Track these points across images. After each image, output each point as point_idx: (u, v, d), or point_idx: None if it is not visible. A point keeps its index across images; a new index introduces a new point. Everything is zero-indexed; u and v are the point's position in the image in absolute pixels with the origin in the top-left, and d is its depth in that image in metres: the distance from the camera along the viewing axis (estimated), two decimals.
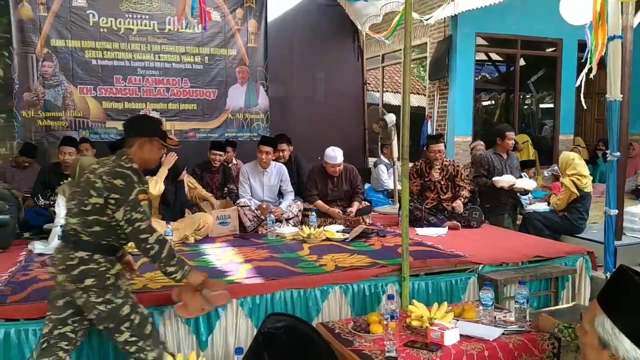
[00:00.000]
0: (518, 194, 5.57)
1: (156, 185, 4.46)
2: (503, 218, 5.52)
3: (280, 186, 5.25)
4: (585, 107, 5.17)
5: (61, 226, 2.70)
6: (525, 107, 9.93)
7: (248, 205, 4.97)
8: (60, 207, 4.24)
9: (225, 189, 5.65)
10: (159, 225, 4.41)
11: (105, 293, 2.44)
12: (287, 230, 4.74)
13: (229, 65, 7.18)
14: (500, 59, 9.69)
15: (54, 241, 4.03)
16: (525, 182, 5.53)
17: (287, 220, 5.05)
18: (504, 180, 5.39)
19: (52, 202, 4.86)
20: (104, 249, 2.48)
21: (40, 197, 5.01)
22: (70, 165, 5.04)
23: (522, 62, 9.16)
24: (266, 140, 5.29)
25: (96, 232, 2.45)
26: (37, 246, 4.15)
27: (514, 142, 5.80)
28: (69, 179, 4.90)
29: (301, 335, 1.75)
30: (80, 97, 6.55)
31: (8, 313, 2.80)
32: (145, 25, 6.74)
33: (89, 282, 2.41)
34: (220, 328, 3.11)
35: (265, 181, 5.19)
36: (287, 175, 5.26)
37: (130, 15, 6.66)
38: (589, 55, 3.89)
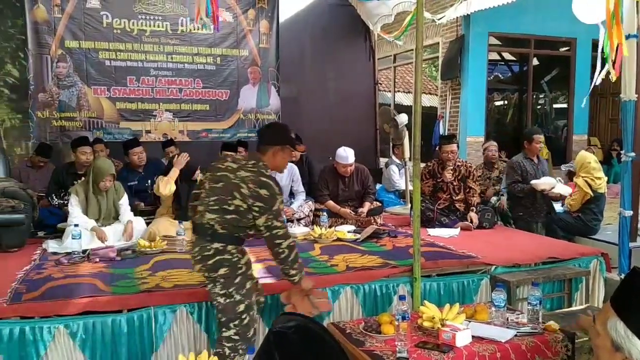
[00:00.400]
0: (551, 200, 5.26)
1: (167, 186, 4.49)
2: (537, 226, 5.18)
3: (291, 186, 5.26)
4: (583, 106, 5.11)
5: (195, 220, 2.82)
6: (539, 107, 9.85)
7: None
8: (74, 207, 4.30)
9: None
10: (172, 225, 4.45)
11: (229, 286, 2.65)
12: (299, 230, 4.74)
13: (240, 66, 7.20)
14: (513, 58, 9.63)
15: (68, 240, 4.08)
16: (562, 188, 5.24)
17: (299, 220, 5.06)
18: (545, 183, 5.09)
19: (66, 202, 4.91)
20: (235, 240, 2.72)
21: (54, 197, 5.07)
22: (87, 166, 5.11)
23: (535, 61, 9.09)
24: None
25: (231, 227, 2.67)
26: (51, 245, 4.20)
27: (542, 146, 5.47)
28: (83, 178, 4.97)
29: (312, 335, 1.74)
30: (94, 98, 6.61)
31: (23, 311, 2.84)
32: (158, 27, 6.79)
33: (222, 271, 2.64)
34: None
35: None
36: (298, 176, 5.27)
37: (144, 17, 6.71)
38: (603, 56, 3.84)
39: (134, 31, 6.69)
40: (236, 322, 2.66)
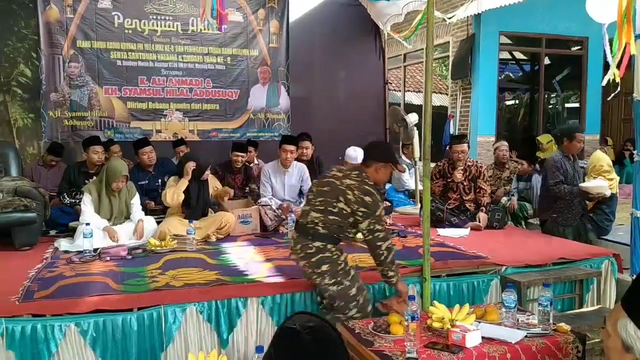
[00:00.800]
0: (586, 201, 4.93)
1: (174, 196, 4.52)
2: (569, 230, 4.78)
3: (301, 186, 5.26)
4: (609, 99, 5.01)
5: (295, 220, 3.15)
6: (550, 106, 9.77)
7: (269, 205, 5.00)
8: (86, 206, 4.34)
9: (247, 188, 5.69)
10: (181, 224, 4.47)
11: (337, 276, 2.90)
12: None
13: (250, 66, 7.22)
14: (525, 57, 9.56)
15: (79, 238, 4.12)
16: (608, 190, 4.83)
17: None
18: (599, 187, 4.72)
19: (77, 201, 4.96)
20: (333, 240, 2.97)
21: (65, 196, 5.11)
22: (101, 165, 5.16)
23: (547, 60, 9.02)
24: (289, 139, 5.30)
25: (332, 227, 2.94)
26: (63, 244, 4.24)
27: (583, 144, 5.04)
28: (94, 177, 5.01)
29: (326, 339, 1.75)
30: (105, 98, 6.66)
31: (35, 309, 2.87)
32: (169, 27, 6.82)
33: (324, 267, 2.89)
34: (241, 326, 3.14)
35: (287, 181, 5.21)
36: (307, 175, 5.27)
37: (155, 17, 6.74)
38: (611, 56, 3.80)
39: (145, 31, 6.72)
40: (354, 304, 2.91)
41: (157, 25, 6.76)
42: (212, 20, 4.64)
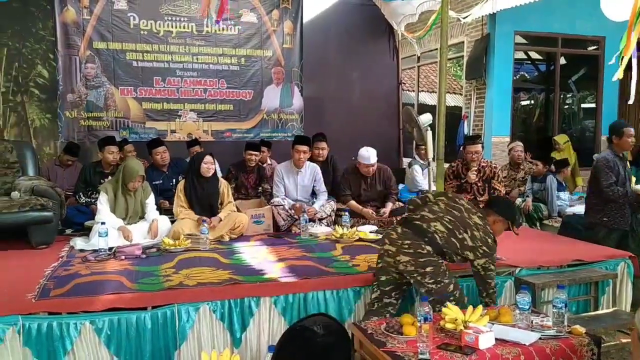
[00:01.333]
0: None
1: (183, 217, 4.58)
2: (614, 235, 4.47)
3: (313, 186, 5.27)
4: (631, 102, 4.85)
5: (414, 218, 3.19)
6: (566, 107, 9.66)
7: (282, 205, 5.01)
8: (102, 205, 4.39)
9: (260, 188, 5.72)
10: (196, 223, 4.50)
11: (438, 275, 3.01)
12: (320, 230, 4.75)
13: (264, 66, 7.25)
14: (540, 57, 9.45)
15: (95, 237, 4.16)
16: None
17: (320, 220, 5.06)
18: None
19: (92, 200, 5.02)
20: (442, 253, 3.08)
21: (81, 195, 5.18)
22: (116, 164, 5.22)
23: (562, 60, 8.92)
24: (302, 139, 5.31)
25: (448, 245, 3.06)
26: (79, 242, 4.29)
27: (634, 140, 4.65)
28: (110, 177, 5.08)
29: (338, 344, 1.76)
30: (121, 98, 6.73)
31: (51, 307, 2.90)
32: (184, 28, 6.87)
33: (429, 269, 3.00)
34: (254, 325, 3.15)
35: (299, 181, 5.22)
36: (320, 175, 5.27)
37: (170, 18, 6.80)
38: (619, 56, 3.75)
39: (160, 32, 6.78)
40: (451, 298, 3.00)
41: (172, 26, 6.82)
42: (212, 15, 4.65)
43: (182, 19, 6.84)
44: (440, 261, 3.06)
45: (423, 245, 3.03)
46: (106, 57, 6.63)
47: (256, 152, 5.65)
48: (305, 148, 5.15)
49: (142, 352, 2.93)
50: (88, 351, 2.84)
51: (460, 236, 3.08)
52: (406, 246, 3.04)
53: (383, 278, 3.17)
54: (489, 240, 3.12)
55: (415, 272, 3.02)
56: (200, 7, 6.83)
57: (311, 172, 5.25)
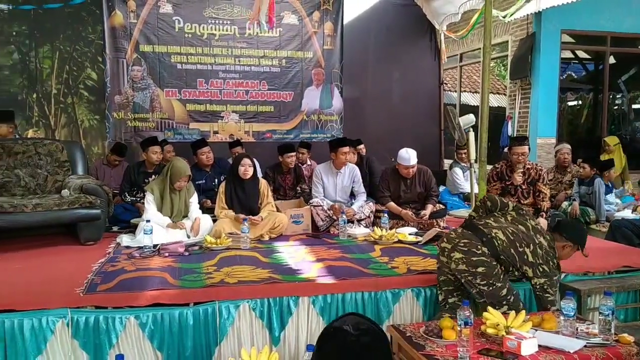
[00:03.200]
0: None
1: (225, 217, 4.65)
2: None
3: (352, 187, 5.26)
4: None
5: (477, 222, 3.20)
6: (615, 107, 9.32)
7: (321, 205, 5.03)
8: (149, 204, 4.52)
9: (298, 188, 5.76)
10: (237, 222, 4.56)
11: (491, 278, 2.95)
12: (359, 231, 4.74)
13: (305, 68, 7.30)
14: (588, 56, 9.15)
15: (140, 235, 4.28)
16: None
17: (359, 221, 5.06)
18: None
19: (137, 199, 5.17)
20: (498, 258, 3.01)
21: (127, 194, 5.34)
22: (158, 164, 5.36)
23: (612, 60, 8.60)
24: (343, 141, 5.32)
25: (506, 255, 2.99)
26: (125, 239, 4.42)
27: None
28: (154, 176, 5.22)
29: (373, 344, 1.75)
30: (166, 100, 6.91)
31: (98, 301, 3.00)
32: (227, 30, 7.00)
33: (480, 269, 2.94)
34: (292, 324, 3.17)
35: (338, 182, 5.23)
36: (359, 177, 5.27)
37: (213, 21, 6.94)
38: None
39: (204, 35, 6.93)
40: (504, 302, 2.95)
41: (215, 29, 6.95)
42: (263, 23, 4.73)
43: (225, 22, 6.97)
44: (494, 264, 2.98)
45: (479, 246, 2.99)
46: (152, 59, 6.82)
47: (292, 154, 5.71)
48: (347, 149, 5.17)
49: (184, 347, 2.99)
50: (132, 345, 2.92)
51: (520, 249, 3.00)
52: (462, 244, 3.01)
53: (442, 278, 3.17)
54: (551, 262, 3.03)
55: (466, 272, 2.97)
56: (242, 10, 6.96)
57: (350, 173, 5.25)
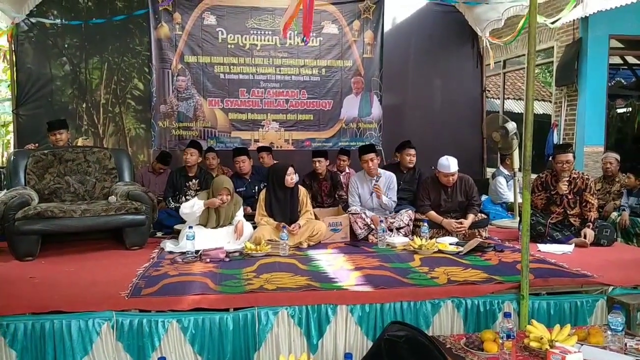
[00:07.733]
0: None
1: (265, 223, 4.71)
2: None
3: (387, 194, 5.21)
4: None
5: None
6: None
7: (359, 213, 5.01)
8: (195, 199, 4.67)
9: (336, 195, 5.77)
10: (276, 229, 4.61)
11: None
12: (398, 240, 4.70)
13: (344, 76, 7.32)
14: (638, 62, 8.83)
15: (183, 240, 4.39)
16: None
17: (398, 229, 5.01)
18: None
19: (180, 205, 5.29)
20: None
21: (170, 200, 5.49)
22: (193, 166, 5.51)
23: None
24: (366, 148, 5.26)
25: None
26: (168, 245, 4.53)
27: None
28: (194, 180, 5.41)
29: (421, 347, 1.74)
30: (209, 109, 7.06)
31: (141, 304, 3.09)
32: (268, 41, 7.11)
33: None
34: (330, 333, 3.17)
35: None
36: (395, 185, 5.22)
37: (255, 32, 7.07)
38: None
39: (246, 45, 7.06)
40: None
41: (257, 40, 7.08)
42: (297, 37, 4.80)
43: (266, 33, 7.08)
44: None
45: None
46: (196, 70, 6.99)
47: (320, 159, 5.72)
48: (371, 155, 5.12)
49: (224, 351, 3.03)
50: (174, 348, 2.99)
51: None
52: None
53: None
54: None
55: None
56: (283, 21, 7.05)
57: (386, 181, 5.21)
